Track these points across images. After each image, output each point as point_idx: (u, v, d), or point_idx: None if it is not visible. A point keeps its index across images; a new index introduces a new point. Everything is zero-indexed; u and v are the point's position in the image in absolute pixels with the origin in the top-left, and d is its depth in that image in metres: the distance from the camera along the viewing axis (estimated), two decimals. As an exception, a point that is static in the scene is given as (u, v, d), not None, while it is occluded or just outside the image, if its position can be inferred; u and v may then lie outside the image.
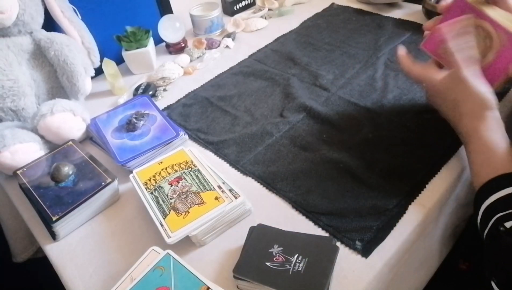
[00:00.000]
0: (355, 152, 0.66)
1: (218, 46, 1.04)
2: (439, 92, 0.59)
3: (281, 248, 0.51)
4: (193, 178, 0.61)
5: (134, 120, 0.75)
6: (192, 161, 0.64)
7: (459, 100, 0.55)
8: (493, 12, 0.53)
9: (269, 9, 1.16)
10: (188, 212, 0.56)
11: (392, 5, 1.07)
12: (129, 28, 0.94)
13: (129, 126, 0.75)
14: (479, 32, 0.53)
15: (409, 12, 1.04)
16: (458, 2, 0.56)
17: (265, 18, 1.13)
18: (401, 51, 0.64)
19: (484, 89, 0.53)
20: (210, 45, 1.04)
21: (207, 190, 0.59)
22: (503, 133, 0.53)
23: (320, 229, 0.56)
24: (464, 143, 0.57)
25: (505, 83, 0.55)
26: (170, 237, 0.53)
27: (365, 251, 0.52)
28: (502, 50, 0.51)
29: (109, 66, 0.89)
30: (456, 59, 0.54)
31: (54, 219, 0.59)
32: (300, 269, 0.48)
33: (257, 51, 0.99)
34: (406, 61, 0.63)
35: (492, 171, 0.50)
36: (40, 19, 0.82)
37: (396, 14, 1.04)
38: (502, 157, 0.50)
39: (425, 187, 0.59)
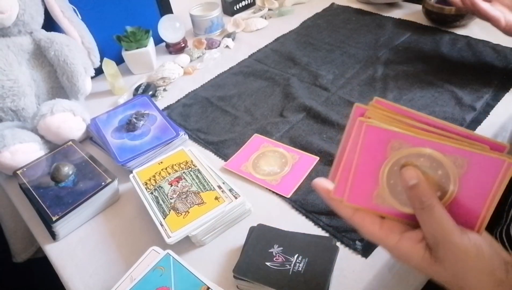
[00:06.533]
0: (355, 152, 0.66)
1: (218, 46, 1.04)
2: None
3: (281, 248, 0.51)
4: (193, 178, 0.61)
5: (134, 120, 0.75)
6: (192, 161, 0.64)
7: (460, 279, 0.35)
8: (422, 133, 0.34)
9: (269, 9, 1.16)
10: (188, 212, 0.56)
11: (392, 5, 1.07)
12: (129, 28, 0.94)
13: (129, 126, 0.75)
14: (421, 163, 0.35)
15: (409, 12, 1.04)
16: (371, 134, 0.35)
17: (265, 18, 1.13)
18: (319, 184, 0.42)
19: (489, 253, 0.34)
20: (210, 45, 1.04)
21: (207, 190, 0.59)
22: None
23: (320, 229, 0.56)
24: None
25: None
26: (170, 237, 0.53)
27: (365, 251, 0.52)
28: (465, 176, 0.35)
29: (109, 66, 0.89)
30: (435, 212, 0.34)
31: (54, 219, 0.59)
32: (300, 269, 0.48)
33: (257, 51, 0.99)
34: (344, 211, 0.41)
35: None
36: (40, 19, 0.82)
37: (396, 14, 1.04)
38: None
39: (425, 187, 0.59)
